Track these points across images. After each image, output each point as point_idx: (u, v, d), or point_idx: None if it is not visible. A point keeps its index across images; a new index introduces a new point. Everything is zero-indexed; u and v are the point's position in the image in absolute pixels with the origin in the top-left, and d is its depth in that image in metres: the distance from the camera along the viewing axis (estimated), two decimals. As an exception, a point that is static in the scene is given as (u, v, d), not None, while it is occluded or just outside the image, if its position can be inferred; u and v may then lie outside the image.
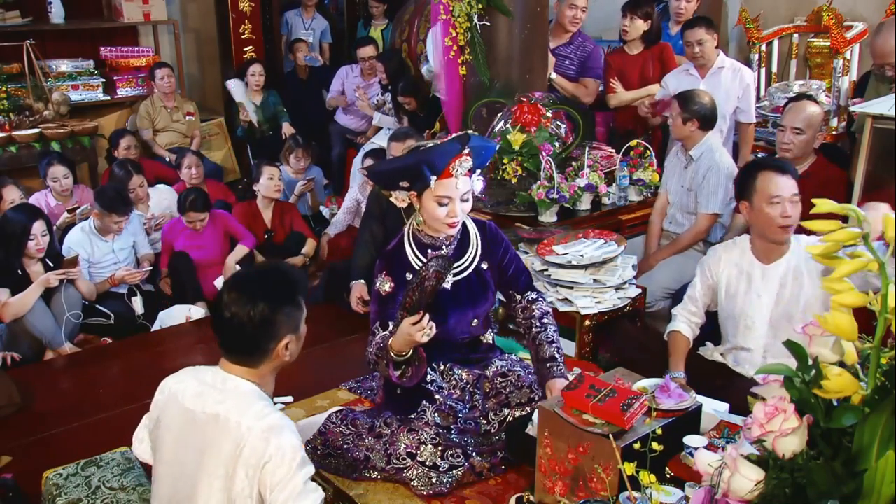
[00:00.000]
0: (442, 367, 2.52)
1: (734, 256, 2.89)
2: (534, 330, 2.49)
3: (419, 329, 2.16)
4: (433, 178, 2.24)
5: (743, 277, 2.86)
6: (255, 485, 1.72)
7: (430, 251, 2.40)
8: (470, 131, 2.37)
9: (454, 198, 2.28)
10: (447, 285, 2.39)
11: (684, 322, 2.98)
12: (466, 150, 2.26)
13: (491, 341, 2.62)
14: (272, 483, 1.70)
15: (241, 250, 4.62)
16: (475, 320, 2.51)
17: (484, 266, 2.46)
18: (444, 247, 2.41)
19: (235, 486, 1.72)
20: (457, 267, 2.41)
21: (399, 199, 2.34)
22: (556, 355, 2.44)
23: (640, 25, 4.88)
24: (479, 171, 2.37)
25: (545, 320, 2.51)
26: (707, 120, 3.87)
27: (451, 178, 2.25)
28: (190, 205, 4.55)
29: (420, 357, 2.31)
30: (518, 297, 2.56)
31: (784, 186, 2.73)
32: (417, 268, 2.35)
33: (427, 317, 2.17)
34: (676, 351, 2.89)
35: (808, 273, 2.73)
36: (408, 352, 2.26)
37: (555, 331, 2.51)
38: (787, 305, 2.77)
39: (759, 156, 4.92)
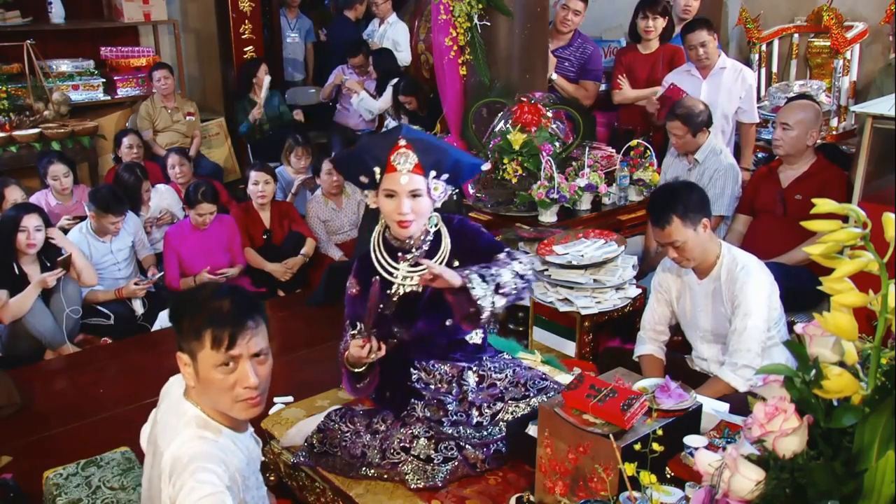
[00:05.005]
0: (424, 364, 2.50)
1: (677, 271, 2.92)
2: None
3: (365, 353, 2.21)
4: (377, 169, 2.25)
5: (686, 290, 2.91)
6: None
7: (399, 254, 2.38)
8: (405, 124, 2.32)
9: (399, 193, 2.24)
10: (419, 289, 2.37)
11: (653, 343, 3.00)
12: (403, 142, 2.23)
13: (479, 342, 2.57)
14: None
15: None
16: (448, 321, 2.41)
17: (456, 264, 2.38)
18: (413, 249, 2.37)
19: None
20: (426, 268, 2.32)
21: (372, 200, 2.34)
22: (479, 272, 2.21)
23: (661, 23, 4.89)
24: (444, 178, 2.28)
25: (503, 261, 2.32)
26: (711, 120, 3.98)
27: (395, 173, 2.23)
28: (202, 196, 4.48)
29: (374, 371, 2.36)
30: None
31: (657, 235, 2.80)
32: (381, 272, 2.37)
33: (368, 346, 2.20)
34: (652, 373, 2.88)
35: (724, 293, 2.76)
36: (363, 365, 2.31)
37: (507, 268, 2.27)
38: (718, 320, 2.81)
39: (760, 156, 4.93)
